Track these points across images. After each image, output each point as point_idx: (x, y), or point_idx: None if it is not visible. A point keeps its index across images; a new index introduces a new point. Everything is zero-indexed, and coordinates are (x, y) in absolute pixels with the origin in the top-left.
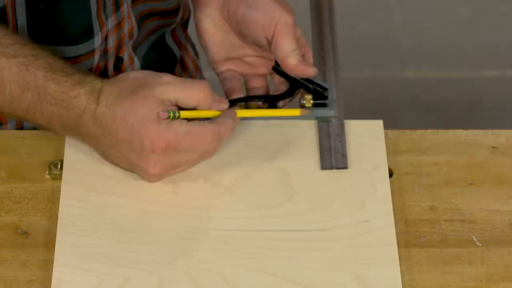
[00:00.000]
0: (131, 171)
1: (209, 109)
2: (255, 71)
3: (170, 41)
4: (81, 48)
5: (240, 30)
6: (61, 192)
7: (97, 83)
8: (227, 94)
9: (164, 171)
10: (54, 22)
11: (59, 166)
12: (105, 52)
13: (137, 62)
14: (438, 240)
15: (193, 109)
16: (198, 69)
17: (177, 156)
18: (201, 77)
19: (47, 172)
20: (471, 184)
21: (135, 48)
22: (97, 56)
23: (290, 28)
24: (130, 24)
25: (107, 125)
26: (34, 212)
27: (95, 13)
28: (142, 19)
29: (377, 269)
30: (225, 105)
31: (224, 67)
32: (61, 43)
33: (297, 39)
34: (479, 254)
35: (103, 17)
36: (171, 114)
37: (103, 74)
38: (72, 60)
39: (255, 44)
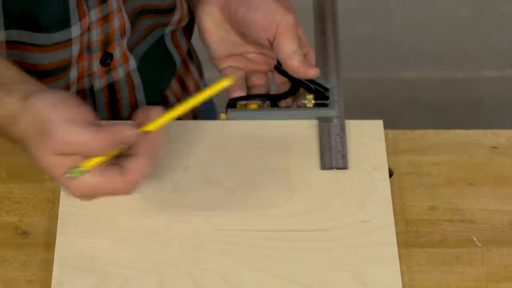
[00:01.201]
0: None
1: (112, 148)
2: (256, 67)
3: (170, 45)
4: (56, 37)
5: (241, 31)
6: (61, 192)
7: (14, 104)
8: (228, 92)
9: (87, 194)
10: (28, 9)
11: None
12: (88, 45)
13: (132, 62)
14: (438, 240)
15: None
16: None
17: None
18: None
19: None
20: (471, 184)
21: (132, 47)
22: (75, 47)
23: (292, 29)
24: (121, 20)
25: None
26: (34, 212)
27: (75, 2)
28: (136, 16)
29: (377, 269)
30: (123, 142)
31: (225, 64)
32: (36, 29)
33: (298, 38)
34: (479, 254)
35: (85, 8)
36: (75, 172)
37: (88, 68)
38: (48, 47)
39: (257, 44)
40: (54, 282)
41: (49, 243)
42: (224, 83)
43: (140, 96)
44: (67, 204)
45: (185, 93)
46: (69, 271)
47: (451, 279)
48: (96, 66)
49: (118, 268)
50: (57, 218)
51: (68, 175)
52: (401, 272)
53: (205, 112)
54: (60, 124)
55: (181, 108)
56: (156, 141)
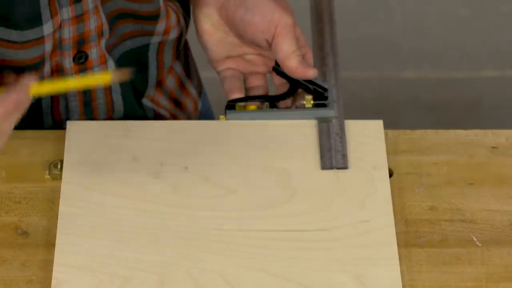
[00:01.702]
0: None
1: None
2: (254, 69)
3: (152, 57)
4: (28, 34)
5: (239, 33)
6: (61, 192)
7: None
8: (227, 94)
9: None
10: None
11: (59, 166)
12: (60, 42)
13: (111, 64)
14: (438, 240)
15: None
16: (196, 110)
17: None
18: (197, 117)
19: (47, 172)
20: (471, 184)
21: (110, 49)
22: (48, 44)
23: (290, 29)
24: (98, 21)
25: None
26: (34, 212)
27: (46, 1)
28: (115, 19)
29: (377, 269)
30: None
31: (223, 66)
32: (8, 26)
33: (296, 38)
34: (479, 254)
35: (57, 6)
36: None
37: (59, 64)
38: (20, 45)
39: (255, 45)
40: (54, 282)
41: (49, 243)
42: (107, 77)
43: (117, 97)
44: (67, 204)
45: (181, 111)
46: (69, 271)
47: (451, 279)
48: (68, 63)
49: (118, 268)
50: (57, 218)
51: None
52: (401, 272)
53: (202, 114)
54: None
55: (63, 84)
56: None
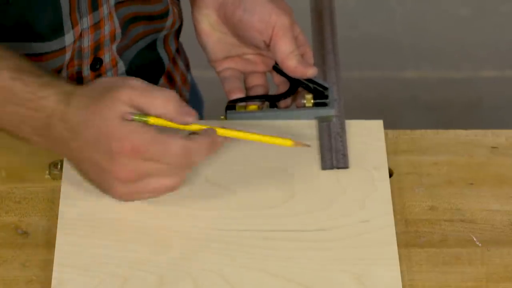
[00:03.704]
0: (99, 183)
1: (171, 120)
2: (254, 68)
3: (161, 50)
4: (50, 45)
5: (238, 33)
6: (61, 192)
7: (68, 86)
8: (227, 94)
9: (132, 176)
10: (22, 19)
11: (59, 166)
12: (79, 51)
13: (121, 66)
14: (438, 240)
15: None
16: (186, 83)
17: (145, 164)
18: (188, 92)
19: (47, 172)
20: (471, 184)
21: (121, 51)
22: (68, 54)
23: (288, 30)
24: (111, 26)
25: (77, 128)
26: (34, 212)
27: (67, 11)
28: (128, 23)
29: (377, 269)
30: (191, 118)
31: (223, 66)
32: (29, 39)
33: (296, 37)
34: (479, 254)
35: (77, 16)
36: (138, 117)
37: (78, 73)
38: (41, 57)
39: (253, 45)
40: (54, 282)
41: (49, 243)
42: (288, 142)
43: None
44: (67, 204)
45: (172, 87)
46: (69, 271)
47: (451, 279)
48: (86, 71)
49: (118, 268)
50: (57, 218)
51: (134, 117)
52: (401, 272)
53: (192, 88)
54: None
55: (251, 136)
56: (208, 145)
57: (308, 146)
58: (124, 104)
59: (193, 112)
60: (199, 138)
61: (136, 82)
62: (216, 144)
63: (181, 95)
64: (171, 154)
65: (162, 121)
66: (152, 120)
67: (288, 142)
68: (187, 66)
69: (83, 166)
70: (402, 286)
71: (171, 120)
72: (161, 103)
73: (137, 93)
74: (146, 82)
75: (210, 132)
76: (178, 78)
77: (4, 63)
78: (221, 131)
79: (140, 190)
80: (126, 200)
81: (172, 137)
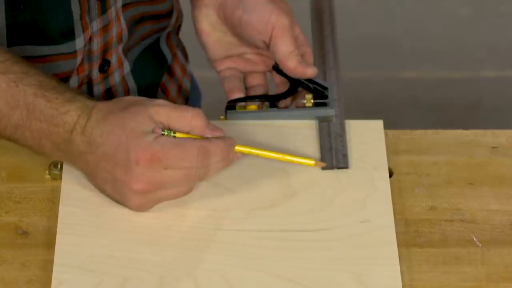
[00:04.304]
0: (116, 196)
1: (202, 135)
2: (254, 68)
3: (164, 46)
4: (61, 49)
5: (237, 33)
6: (61, 192)
7: (89, 101)
8: (227, 94)
9: (148, 187)
10: (33, 23)
11: (59, 166)
12: (89, 54)
13: (127, 66)
14: (438, 240)
15: (187, 133)
16: (186, 73)
17: (161, 173)
18: (189, 82)
19: (47, 172)
20: (471, 184)
21: (126, 51)
22: (79, 58)
23: (287, 30)
24: (119, 27)
25: (95, 140)
26: (34, 212)
27: (78, 15)
28: (135, 23)
29: (377, 269)
30: (219, 133)
31: (223, 66)
32: (41, 43)
33: (296, 37)
34: (479, 254)
35: (87, 20)
36: (166, 133)
37: (87, 76)
38: (52, 60)
39: (253, 45)
40: (54, 282)
41: (49, 243)
42: (311, 163)
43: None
44: (67, 204)
45: (171, 78)
46: (69, 271)
47: (451, 279)
48: (96, 74)
49: (118, 268)
50: (57, 218)
51: (164, 132)
52: (401, 272)
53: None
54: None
55: (263, 153)
56: (224, 149)
57: (324, 165)
58: (148, 120)
59: (218, 128)
60: (216, 140)
61: (163, 101)
62: (229, 151)
63: (181, 86)
64: (189, 154)
65: (187, 136)
66: (178, 135)
67: (311, 163)
68: (186, 57)
69: (98, 179)
70: (402, 286)
71: (201, 135)
72: (191, 118)
73: (165, 110)
74: (168, 101)
75: (229, 140)
76: (177, 70)
77: (28, 80)
78: (240, 147)
79: (155, 200)
80: (143, 210)
81: (190, 140)
